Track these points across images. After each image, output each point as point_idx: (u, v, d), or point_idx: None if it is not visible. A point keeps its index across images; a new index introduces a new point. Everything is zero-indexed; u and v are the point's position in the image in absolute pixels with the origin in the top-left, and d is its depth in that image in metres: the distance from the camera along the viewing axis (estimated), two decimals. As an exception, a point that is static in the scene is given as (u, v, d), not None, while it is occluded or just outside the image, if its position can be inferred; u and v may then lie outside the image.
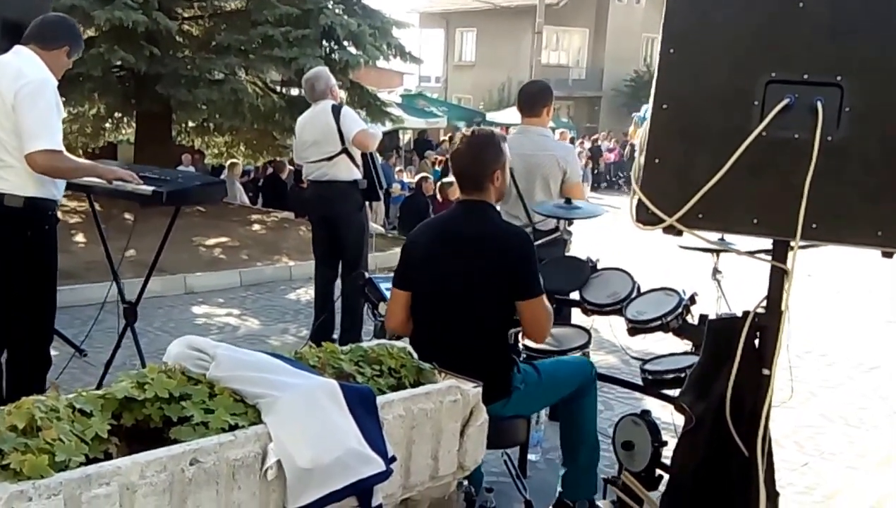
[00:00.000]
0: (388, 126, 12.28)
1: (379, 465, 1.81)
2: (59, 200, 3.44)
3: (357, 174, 5.10)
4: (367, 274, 3.62)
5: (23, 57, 3.28)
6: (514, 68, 27.45)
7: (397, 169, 14.06)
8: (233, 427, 1.71)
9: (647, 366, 3.23)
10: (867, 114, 1.83)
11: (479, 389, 2.22)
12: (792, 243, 1.94)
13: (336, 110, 5.02)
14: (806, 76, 1.86)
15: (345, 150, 5.00)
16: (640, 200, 1.96)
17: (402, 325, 2.88)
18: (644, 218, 1.97)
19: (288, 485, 1.72)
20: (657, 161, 1.95)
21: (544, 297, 2.76)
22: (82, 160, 3.59)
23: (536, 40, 24.57)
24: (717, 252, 3.27)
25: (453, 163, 2.86)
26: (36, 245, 3.34)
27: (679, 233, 2.01)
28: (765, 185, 1.90)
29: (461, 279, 2.71)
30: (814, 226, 1.87)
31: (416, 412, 2.04)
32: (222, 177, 13.22)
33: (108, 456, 1.59)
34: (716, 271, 3.45)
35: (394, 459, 1.91)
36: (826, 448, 4.17)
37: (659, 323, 3.17)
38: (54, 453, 1.47)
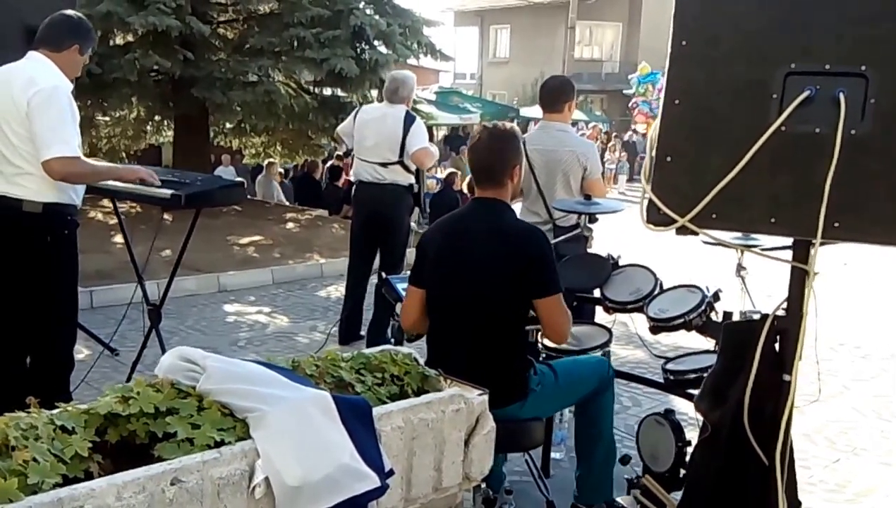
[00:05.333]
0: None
1: (373, 481, 1.74)
2: (78, 205, 3.44)
3: (412, 179, 5.13)
4: (384, 275, 3.55)
5: (35, 63, 3.26)
6: (547, 63, 27.36)
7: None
8: (219, 444, 1.65)
9: (669, 366, 3.18)
10: (894, 106, 1.69)
11: (485, 397, 2.13)
12: (814, 242, 1.82)
13: (409, 122, 5.01)
14: (828, 66, 1.73)
15: (400, 162, 5.01)
16: (650, 200, 1.85)
17: (416, 324, 2.84)
18: (655, 218, 1.86)
19: (277, 504, 1.65)
20: (669, 159, 1.83)
21: (561, 297, 2.67)
22: (101, 163, 3.58)
23: (570, 35, 24.38)
24: (742, 249, 3.15)
25: (473, 156, 2.79)
26: (56, 250, 3.34)
27: (694, 233, 1.90)
28: (783, 182, 1.77)
29: (474, 277, 2.65)
30: (836, 224, 1.74)
31: (417, 422, 1.95)
32: (260, 176, 13.40)
33: (90, 476, 1.54)
34: (740, 267, 3.32)
35: (391, 473, 1.83)
36: (858, 443, 4.06)
37: (681, 321, 3.12)
38: (27, 475, 1.41)
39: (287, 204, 12.70)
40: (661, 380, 3.23)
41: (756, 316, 2.64)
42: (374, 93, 10.24)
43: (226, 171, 13.80)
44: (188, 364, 1.82)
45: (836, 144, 1.68)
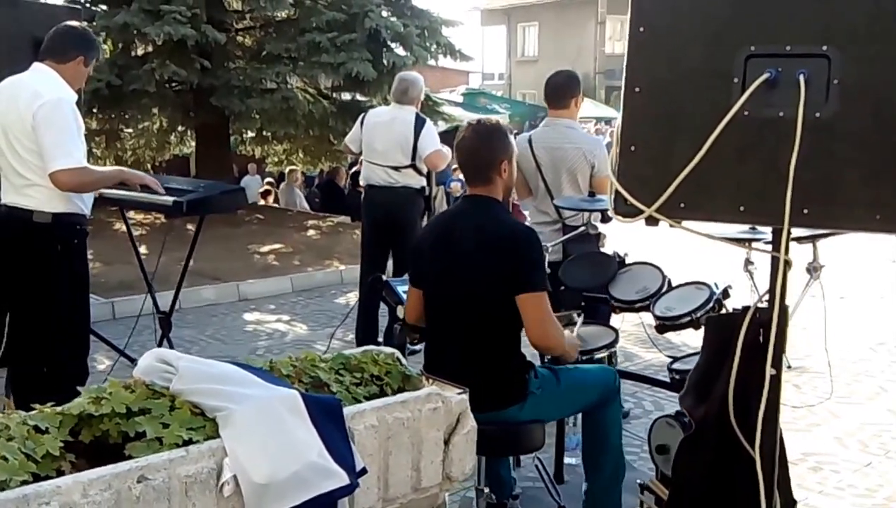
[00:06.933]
0: (443, 125, 12.27)
1: (342, 479, 1.74)
2: (87, 214, 3.50)
3: (423, 181, 5.13)
4: (383, 278, 3.55)
5: (40, 75, 3.33)
6: (578, 61, 26.97)
7: (454, 167, 13.98)
8: (188, 443, 1.67)
9: (675, 366, 3.12)
10: (858, 86, 1.65)
11: (465, 396, 2.12)
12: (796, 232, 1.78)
13: (419, 124, 5.01)
14: (788, 48, 1.68)
15: (412, 166, 5.02)
16: (617, 191, 1.83)
17: (420, 321, 2.82)
18: (622, 209, 1.84)
19: (245, 501, 1.67)
20: (633, 148, 1.81)
21: (546, 297, 2.62)
22: (106, 168, 3.67)
23: (600, 31, 24.08)
24: (748, 242, 3.09)
25: (458, 153, 2.77)
26: (66, 259, 3.40)
27: (676, 225, 1.87)
28: (750, 169, 1.74)
29: (464, 275, 2.64)
30: (805, 211, 1.70)
31: (392, 421, 1.95)
32: (282, 184, 13.50)
33: (62, 475, 1.56)
34: (748, 262, 3.26)
35: (363, 472, 1.83)
36: (892, 447, 3.93)
37: (688, 319, 3.05)
38: (-7, 472, 1.45)
39: (309, 211, 12.78)
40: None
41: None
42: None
43: (252, 180, 13.97)
44: (163, 365, 1.86)
45: (798, 128, 1.64)
